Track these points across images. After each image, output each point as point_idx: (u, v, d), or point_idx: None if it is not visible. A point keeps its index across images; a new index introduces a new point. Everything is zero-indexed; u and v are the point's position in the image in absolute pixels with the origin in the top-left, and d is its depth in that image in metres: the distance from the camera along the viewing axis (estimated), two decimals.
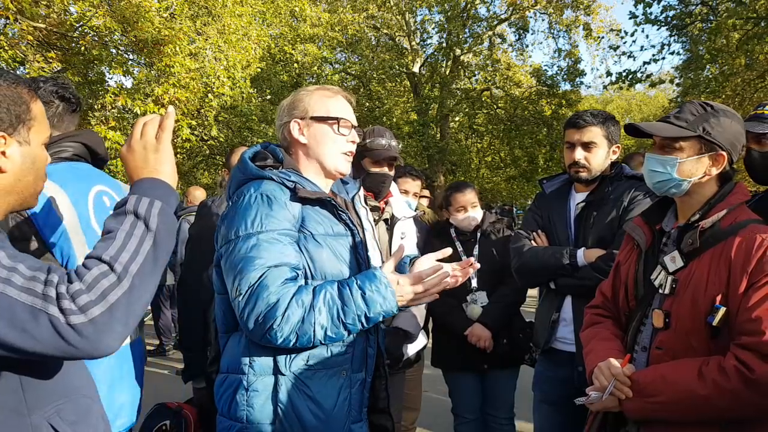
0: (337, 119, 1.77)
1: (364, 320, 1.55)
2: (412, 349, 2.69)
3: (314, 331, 1.51)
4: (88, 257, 1.04)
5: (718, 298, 1.53)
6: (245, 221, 1.58)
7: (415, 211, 2.97)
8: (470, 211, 3.07)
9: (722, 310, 1.50)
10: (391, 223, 2.65)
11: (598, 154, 2.40)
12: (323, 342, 1.55)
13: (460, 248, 3.07)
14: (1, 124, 1.09)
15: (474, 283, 3.02)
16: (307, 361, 1.60)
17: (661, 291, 1.67)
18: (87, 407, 1.18)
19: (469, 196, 3.08)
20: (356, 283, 1.57)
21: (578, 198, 2.50)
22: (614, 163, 2.50)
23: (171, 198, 1.17)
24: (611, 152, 2.44)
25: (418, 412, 3.21)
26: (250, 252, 1.54)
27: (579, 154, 2.40)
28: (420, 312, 2.73)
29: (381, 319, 1.60)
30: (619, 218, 2.35)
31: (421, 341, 2.76)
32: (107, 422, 1.26)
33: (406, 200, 3.00)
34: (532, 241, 2.56)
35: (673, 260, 1.66)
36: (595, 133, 2.38)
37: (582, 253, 2.36)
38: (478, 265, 1.84)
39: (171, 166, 1.22)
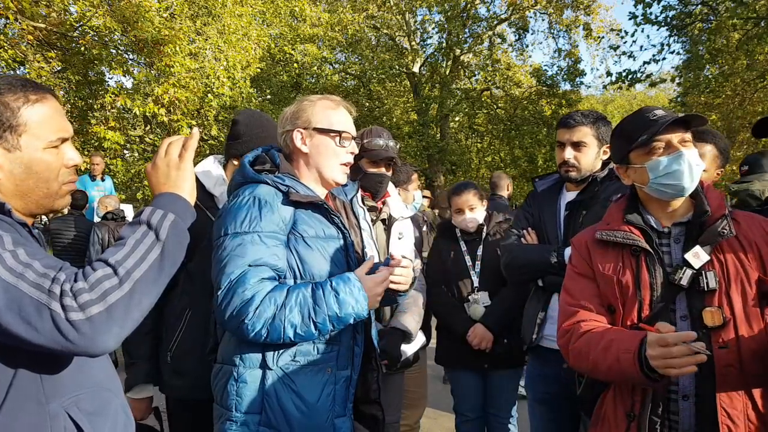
0: (339, 132, 1.82)
1: (335, 321, 1.61)
2: (410, 350, 2.69)
3: (284, 327, 1.57)
4: (97, 260, 1.09)
5: (760, 275, 1.55)
6: (235, 221, 1.66)
7: (416, 209, 2.98)
8: (467, 213, 3.05)
9: None
10: (388, 223, 2.66)
11: (588, 154, 2.42)
12: (293, 339, 1.60)
13: (464, 248, 3.06)
14: None
15: (476, 282, 3.02)
16: (294, 357, 1.67)
17: (701, 288, 1.58)
18: (107, 400, 1.22)
19: (466, 198, 3.06)
20: (330, 285, 1.63)
21: (569, 197, 2.50)
22: (605, 163, 2.50)
23: (187, 213, 1.23)
24: (602, 152, 2.46)
25: (422, 410, 3.20)
26: (235, 250, 1.62)
27: (569, 153, 2.43)
28: (419, 312, 2.72)
29: (351, 321, 1.65)
30: None
31: (419, 341, 2.75)
32: (130, 417, 1.30)
33: (415, 193, 3.00)
34: (522, 239, 2.57)
35: (697, 256, 1.61)
36: (584, 133, 2.41)
37: (570, 252, 2.36)
38: (408, 262, 1.80)
39: (191, 183, 1.29)
